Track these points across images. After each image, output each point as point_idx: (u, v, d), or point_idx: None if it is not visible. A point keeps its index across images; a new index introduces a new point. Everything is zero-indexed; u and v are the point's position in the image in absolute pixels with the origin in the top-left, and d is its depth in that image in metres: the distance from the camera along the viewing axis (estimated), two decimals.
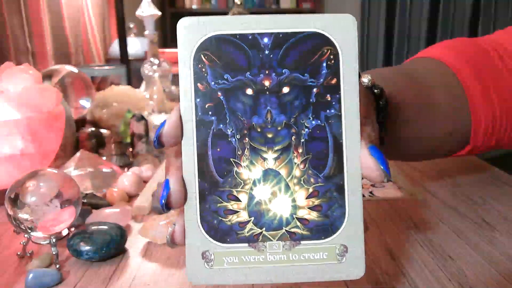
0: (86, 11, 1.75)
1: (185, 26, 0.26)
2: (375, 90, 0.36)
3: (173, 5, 3.26)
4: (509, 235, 0.46)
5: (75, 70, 0.84)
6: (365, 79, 0.36)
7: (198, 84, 0.26)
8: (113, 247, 0.42)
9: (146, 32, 1.03)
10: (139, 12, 1.02)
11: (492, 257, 0.41)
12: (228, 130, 0.27)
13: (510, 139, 0.47)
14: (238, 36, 0.26)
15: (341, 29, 0.27)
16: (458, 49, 0.48)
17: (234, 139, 0.27)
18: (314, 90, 0.27)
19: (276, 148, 0.27)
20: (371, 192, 0.57)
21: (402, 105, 0.40)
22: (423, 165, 0.68)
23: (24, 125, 0.54)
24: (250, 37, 0.26)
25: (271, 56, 0.26)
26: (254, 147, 0.27)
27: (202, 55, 0.26)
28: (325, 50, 0.27)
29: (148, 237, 0.45)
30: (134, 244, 0.45)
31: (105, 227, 0.43)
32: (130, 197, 0.57)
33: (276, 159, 0.27)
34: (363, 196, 0.46)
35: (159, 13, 1.04)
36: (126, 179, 0.58)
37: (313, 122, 0.27)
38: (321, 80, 0.27)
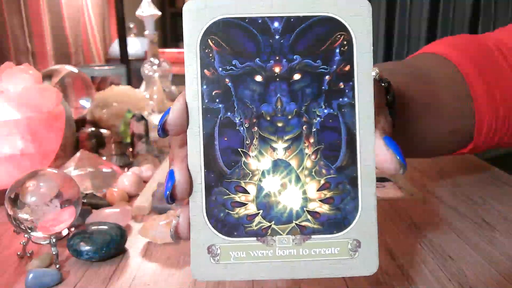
0: (86, 11, 1.75)
1: (191, 10, 0.25)
2: (383, 84, 0.36)
3: (173, 5, 3.26)
4: (509, 235, 0.46)
5: (75, 70, 0.84)
6: (373, 72, 0.36)
7: (205, 70, 0.25)
8: (113, 247, 0.42)
9: (146, 32, 1.03)
10: (139, 12, 1.02)
11: (492, 257, 0.41)
12: (236, 119, 0.25)
13: (511, 138, 0.47)
14: (247, 20, 0.25)
15: (355, 14, 0.25)
16: (461, 47, 0.48)
17: (242, 128, 0.25)
18: (327, 77, 0.25)
19: (286, 137, 0.26)
20: None
21: (408, 103, 0.40)
22: (423, 165, 0.68)
23: (24, 125, 0.54)
24: (260, 21, 0.25)
25: (282, 41, 0.25)
26: (263, 136, 0.26)
27: (209, 40, 0.25)
28: (338, 36, 0.25)
29: (148, 237, 0.45)
30: (134, 244, 0.45)
31: (105, 227, 0.43)
32: (130, 197, 0.57)
33: (286, 149, 0.26)
34: None
35: (159, 13, 1.04)
36: (126, 179, 0.58)
37: (325, 110, 0.26)
38: (334, 67, 0.25)
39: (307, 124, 0.26)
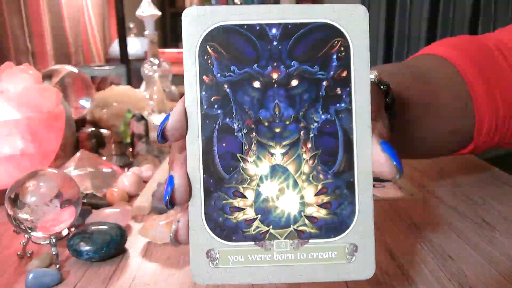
0: (86, 11, 1.75)
1: (190, 16, 0.26)
2: (382, 87, 0.36)
3: (173, 5, 3.26)
4: (509, 235, 0.46)
5: (75, 70, 0.84)
6: (372, 75, 0.36)
7: (204, 77, 0.26)
8: (113, 247, 0.42)
9: (146, 32, 1.03)
10: (139, 12, 1.02)
11: (492, 257, 0.41)
12: (234, 124, 0.26)
13: (511, 138, 0.47)
14: (245, 27, 0.25)
15: (352, 20, 0.26)
16: (461, 47, 0.47)
17: (240, 134, 0.26)
18: (324, 83, 0.26)
19: (284, 143, 0.26)
20: None
21: (408, 103, 0.40)
22: (423, 165, 0.68)
23: (24, 125, 0.54)
24: (257, 28, 0.25)
25: (280, 47, 0.25)
26: (261, 142, 0.26)
27: (208, 46, 0.26)
28: (336, 42, 0.26)
29: (148, 237, 0.45)
30: (134, 244, 0.45)
31: (105, 227, 0.43)
32: (130, 197, 0.57)
33: (284, 154, 0.26)
34: None
35: (159, 13, 1.04)
36: (126, 179, 0.58)
37: (323, 116, 0.26)
38: (331, 72, 0.26)
39: (304, 130, 0.26)
